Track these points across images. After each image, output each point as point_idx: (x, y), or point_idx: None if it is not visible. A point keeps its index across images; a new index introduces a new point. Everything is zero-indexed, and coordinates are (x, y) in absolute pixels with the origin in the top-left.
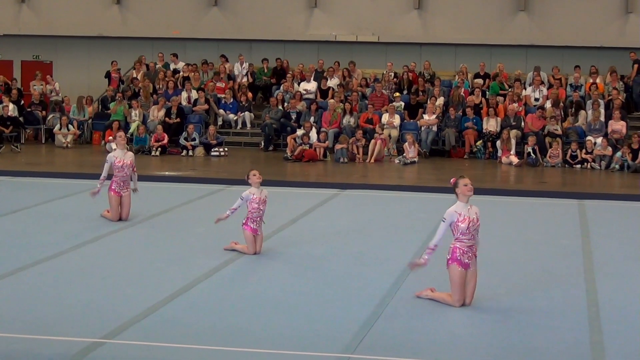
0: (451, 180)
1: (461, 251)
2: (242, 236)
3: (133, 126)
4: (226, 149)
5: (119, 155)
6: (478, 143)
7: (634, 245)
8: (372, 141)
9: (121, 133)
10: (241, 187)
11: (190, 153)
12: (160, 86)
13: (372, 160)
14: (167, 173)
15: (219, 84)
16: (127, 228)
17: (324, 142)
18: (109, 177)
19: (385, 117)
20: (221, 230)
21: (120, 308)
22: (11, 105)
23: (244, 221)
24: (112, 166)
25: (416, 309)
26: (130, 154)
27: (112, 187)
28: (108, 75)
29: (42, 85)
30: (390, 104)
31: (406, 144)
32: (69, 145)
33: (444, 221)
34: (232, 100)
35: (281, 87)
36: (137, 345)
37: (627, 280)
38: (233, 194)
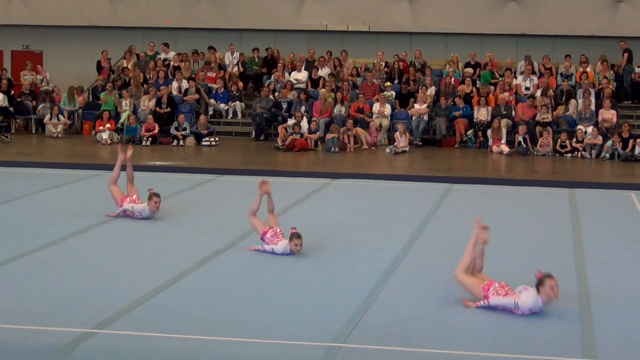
0: (537, 274)
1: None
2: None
3: (124, 116)
4: (217, 138)
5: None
6: (469, 132)
7: (624, 234)
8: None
9: (157, 199)
10: (232, 177)
11: (181, 143)
12: (151, 76)
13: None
14: (158, 163)
15: (209, 74)
16: (118, 218)
17: (315, 132)
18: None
19: (376, 107)
20: (212, 220)
21: (111, 298)
22: (1, 95)
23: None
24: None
25: (407, 298)
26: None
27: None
28: (98, 65)
29: (32, 75)
30: (381, 94)
31: (397, 133)
32: (59, 135)
33: (515, 305)
34: (222, 89)
35: (272, 77)
36: (128, 335)
37: (618, 269)
38: (224, 184)
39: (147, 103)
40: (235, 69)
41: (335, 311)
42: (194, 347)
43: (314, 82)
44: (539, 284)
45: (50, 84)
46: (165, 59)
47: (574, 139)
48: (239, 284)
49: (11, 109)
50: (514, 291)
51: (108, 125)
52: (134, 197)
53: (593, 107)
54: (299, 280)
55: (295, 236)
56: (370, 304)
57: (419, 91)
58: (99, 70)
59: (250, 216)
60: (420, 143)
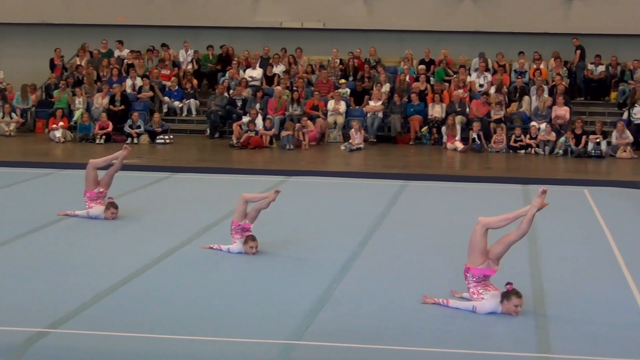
0: (507, 286)
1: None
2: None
3: (77, 114)
4: (171, 136)
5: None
6: (423, 129)
7: (577, 229)
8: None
9: (114, 211)
10: (186, 174)
11: (135, 141)
12: (105, 73)
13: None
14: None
15: (163, 71)
16: (71, 217)
17: (270, 129)
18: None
19: (331, 104)
20: (167, 218)
21: (65, 297)
22: None
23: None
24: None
25: (363, 295)
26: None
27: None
28: (52, 62)
29: None
30: (336, 91)
31: (352, 130)
32: (12, 133)
33: (472, 309)
34: (177, 87)
35: (227, 74)
36: (82, 335)
37: (571, 264)
38: (178, 182)
39: (100, 101)
40: (190, 66)
41: (291, 308)
42: (149, 346)
43: (269, 79)
44: (505, 297)
45: (4, 82)
46: (119, 57)
47: (528, 136)
48: (194, 282)
49: None
50: (485, 290)
51: (61, 123)
52: (101, 191)
53: (549, 104)
54: (254, 278)
55: (250, 238)
56: (326, 301)
57: (374, 88)
58: (52, 68)
59: (243, 199)
60: (375, 140)
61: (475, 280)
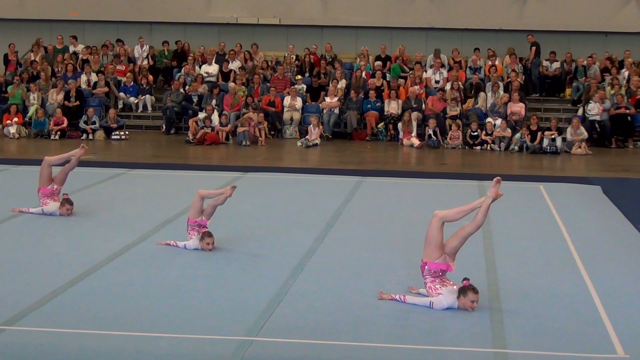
0: (464, 281)
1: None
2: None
3: (31, 110)
4: (127, 132)
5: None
6: (380, 125)
7: (531, 225)
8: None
9: (70, 207)
10: (142, 170)
11: (91, 137)
12: (59, 69)
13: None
14: None
15: (119, 67)
16: (25, 213)
17: (226, 125)
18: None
19: (287, 100)
20: (123, 215)
21: (19, 295)
22: None
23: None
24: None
25: (318, 291)
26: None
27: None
28: (5, 58)
29: None
30: (292, 87)
31: (310, 126)
32: None
33: (430, 305)
34: (132, 83)
35: (182, 70)
36: (37, 332)
37: (526, 259)
38: (134, 178)
39: (55, 97)
40: (145, 62)
41: (247, 305)
42: (103, 342)
43: (225, 75)
44: (462, 292)
45: None
46: (74, 52)
47: (483, 132)
48: (149, 278)
49: None
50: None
51: (16, 119)
52: (55, 188)
53: (505, 100)
54: (210, 274)
55: (206, 235)
56: (282, 297)
57: (330, 84)
58: (5, 63)
59: (199, 195)
60: (331, 136)
61: (432, 275)
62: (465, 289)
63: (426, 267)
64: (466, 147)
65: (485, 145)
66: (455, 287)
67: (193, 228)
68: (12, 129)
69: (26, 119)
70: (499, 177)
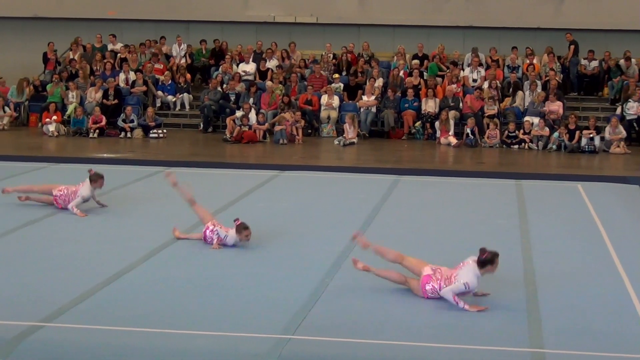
0: (482, 251)
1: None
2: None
3: (70, 108)
4: (165, 130)
5: (88, 194)
6: (417, 124)
7: (569, 224)
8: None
9: (102, 181)
10: (180, 169)
11: (129, 135)
12: (98, 67)
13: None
14: (105, 155)
15: (157, 66)
16: (63, 211)
17: (263, 124)
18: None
19: (324, 98)
20: (160, 212)
21: (57, 292)
22: None
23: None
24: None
25: (354, 290)
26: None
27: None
28: (45, 56)
29: None
30: (329, 85)
31: (346, 124)
32: (5, 127)
33: (464, 286)
34: (170, 81)
35: (220, 69)
36: (75, 329)
37: (564, 258)
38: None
39: (94, 95)
40: (183, 60)
41: (284, 303)
42: (141, 340)
43: (262, 73)
44: (487, 262)
45: None
46: (112, 51)
47: (521, 131)
48: (186, 276)
49: None
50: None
51: (55, 117)
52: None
53: (543, 99)
54: (247, 272)
55: (242, 227)
56: (319, 295)
57: (367, 83)
58: (45, 62)
59: (191, 207)
60: (368, 135)
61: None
62: (492, 259)
63: (428, 284)
64: (504, 146)
65: (523, 144)
66: (466, 263)
67: (211, 235)
68: (51, 127)
69: (65, 117)
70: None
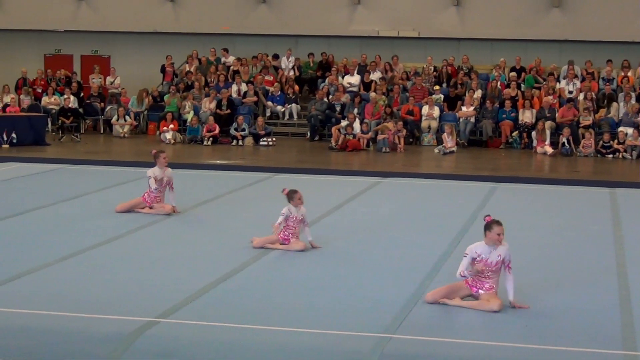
0: (486, 217)
1: (473, 281)
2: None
3: (189, 117)
4: (274, 138)
5: (157, 173)
6: (514, 134)
7: None
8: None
9: (165, 155)
10: (288, 175)
11: (240, 143)
12: (212, 79)
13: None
14: (218, 161)
15: (267, 77)
16: (179, 214)
17: (367, 133)
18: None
19: (425, 109)
20: (268, 216)
21: (172, 290)
22: (72, 97)
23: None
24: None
25: None
26: (170, 171)
27: (144, 196)
28: (162, 68)
29: (100, 78)
30: (430, 97)
31: (445, 134)
32: (125, 135)
33: (465, 257)
34: (279, 92)
35: (326, 80)
36: (190, 325)
37: None
38: (280, 182)
39: (208, 105)
40: (291, 72)
41: (385, 304)
42: (249, 336)
43: (366, 85)
44: (486, 229)
45: (119, 87)
46: (225, 63)
47: (616, 141)
48: (292, 277)
49: (81, 110)
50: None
51: (171, 125)
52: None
53: (637, 110)
54: (350, 274)
55: (292, 192)
56: (419, 297)
57: (466, 94)
58: (163, 73)
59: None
60: (467, 144)
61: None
62: (489, 225)
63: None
64: (598, 155)
65: (617, 153)
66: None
67: (286, 237)
68: (168, 135)
69: (184, 126)
70: None
